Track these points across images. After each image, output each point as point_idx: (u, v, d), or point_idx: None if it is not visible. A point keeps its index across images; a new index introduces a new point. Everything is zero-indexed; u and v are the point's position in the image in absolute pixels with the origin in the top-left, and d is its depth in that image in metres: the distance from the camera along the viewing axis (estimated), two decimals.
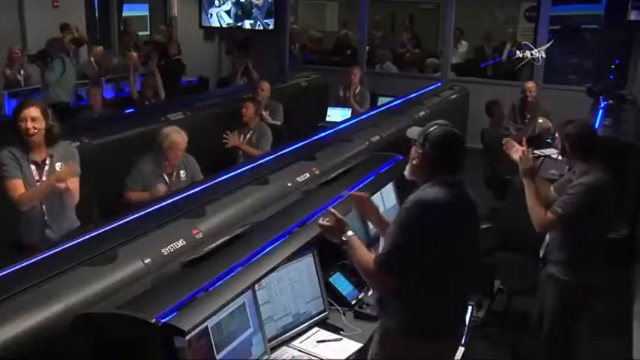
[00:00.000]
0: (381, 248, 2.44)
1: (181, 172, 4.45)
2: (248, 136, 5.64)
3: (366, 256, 2.40)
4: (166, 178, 4.40)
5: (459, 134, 2.46)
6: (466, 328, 2.74)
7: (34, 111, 3.44)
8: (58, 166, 3.52)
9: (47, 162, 3.53)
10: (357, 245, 2.44)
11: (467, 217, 2.45)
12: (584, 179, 3.24)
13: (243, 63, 8.79)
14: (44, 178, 3.50)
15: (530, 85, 6.97)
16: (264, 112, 6.46)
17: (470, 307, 3.03)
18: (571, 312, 3.37)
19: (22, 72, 7.29)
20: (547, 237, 3.49)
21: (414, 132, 2.51)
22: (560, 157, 3.87)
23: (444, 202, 2.33)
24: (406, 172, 2.50)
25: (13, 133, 3.49)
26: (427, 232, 2.30)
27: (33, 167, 3.50)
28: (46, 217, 3.54)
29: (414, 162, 2.46)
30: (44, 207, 3.53)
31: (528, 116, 6.78)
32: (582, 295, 3.34)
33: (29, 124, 3.43)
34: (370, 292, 3.21)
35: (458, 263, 2.40)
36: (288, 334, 2.83)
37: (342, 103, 7.65)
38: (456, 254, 2.38)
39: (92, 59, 8.25)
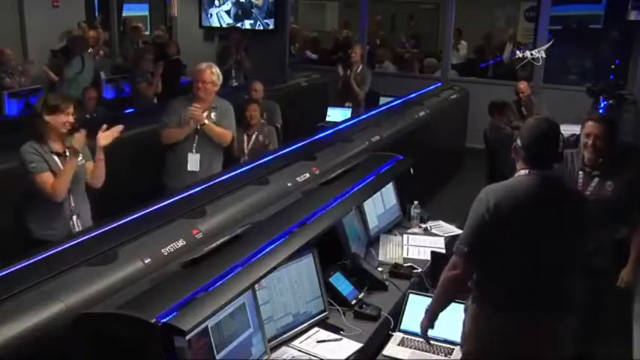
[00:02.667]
0: None
1: (212, 113, 4.46)
2: (253, 137, 5.58)
3: None
4: None
5: (545, 128, 2.53)
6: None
7: (71, 107, 3.49)
8: (80, 158, 3.55)
9: (67, 153, 3.52)
10: None
11: (537, 211, 2.48)
12: None
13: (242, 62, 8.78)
14: None
15: (522, 85, 7.07)
16: None
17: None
18: None
19: (22, 79, 7.07)
20: None
21: None
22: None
23: (511, 189, 2.51)
24: None
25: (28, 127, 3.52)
26: (486, 214, 2.44)
27: (55, 158, 3.50)
28: (72, 204, 3.53)
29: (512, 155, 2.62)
30: (71, 196, 3.53)
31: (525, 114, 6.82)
32: None
33: (68, 119, 3.46)
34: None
35: (528, 259, 2.45)
36: (288, 334, 2.83)
37: (341, 84, 7.50)
38: (523, 245, 2.45)
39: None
